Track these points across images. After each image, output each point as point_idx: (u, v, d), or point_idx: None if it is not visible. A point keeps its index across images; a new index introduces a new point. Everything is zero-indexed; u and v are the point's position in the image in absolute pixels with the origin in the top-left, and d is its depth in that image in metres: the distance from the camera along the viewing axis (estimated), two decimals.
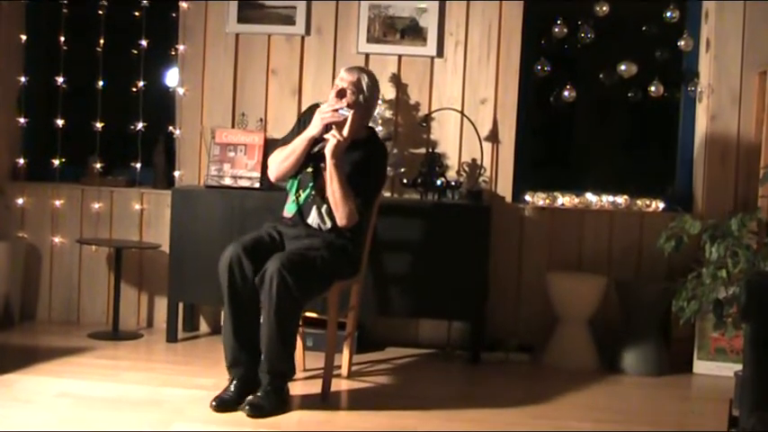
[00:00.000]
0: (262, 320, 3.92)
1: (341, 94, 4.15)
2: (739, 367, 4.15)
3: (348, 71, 4.25)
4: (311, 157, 4.19)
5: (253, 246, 4.01)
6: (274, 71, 5.43)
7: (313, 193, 4.21)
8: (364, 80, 4.22)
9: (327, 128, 4.10)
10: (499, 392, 4.48)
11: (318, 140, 4.15)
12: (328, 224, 4.19)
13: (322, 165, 4.12)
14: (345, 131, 4.06)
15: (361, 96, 4.18)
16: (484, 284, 5.01)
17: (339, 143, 4.05)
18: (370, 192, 4.25)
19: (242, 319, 3.99)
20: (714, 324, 4.16)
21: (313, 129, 4.13)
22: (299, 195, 4.25)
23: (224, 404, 3.91)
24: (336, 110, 4.10)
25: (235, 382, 3.99)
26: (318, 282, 4.05)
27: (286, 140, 4.28)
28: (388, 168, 5.08)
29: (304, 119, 4.29)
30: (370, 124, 4.59)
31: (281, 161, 4.21)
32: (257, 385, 3.95)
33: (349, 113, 4.09)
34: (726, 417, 3.09)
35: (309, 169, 4.23)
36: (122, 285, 5.32)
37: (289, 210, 4.28)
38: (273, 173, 4.27)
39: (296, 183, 4.26)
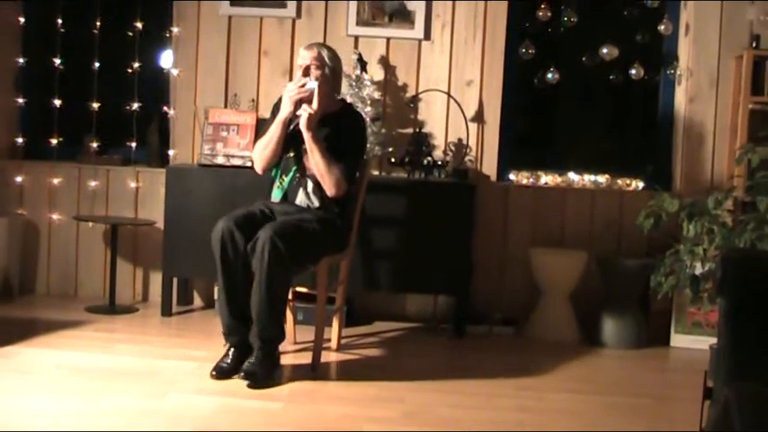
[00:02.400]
0: (253, 287, 3.92)
1: (306, 71, 4.15)
2: (714, 340, 4.17)
3: (307, 48, 4.24)
4: (291, 141, 4.18)
5: (244, 219, 4.00)
6: (266, 53, 5.41)
7: (297, 175, 4.21)
8: (324, 53, 4.21)
9: (298, 105, 4.09)
10: (483, 364, 4.50)
11: (293, 121, 4.14)
12: (316, 203, 4.18)
13: (303, 147, 4.12)
14: (315, 104, 4.06)
15: (326, 69, 4.17)
16: (469, 260, 5.02)
17: (311, 115, 4.05)
18: (352, 158, 4.23)
19: (235, 290, 3.99)
20: (691, 299, 4.18)
21: (284, 110, 4.12)
22: (283, 180, 4.24)
23: (223, 372, 3.94)
24: (302, 85, 4.09)
25: (232, 350, 4.01)
26: (309, 251, 4.05)
27: (263, 132, 4.27)
28: (377, 147, 5.09)
29: (276, 108, 4.27)
30: (350, 100, 4.60)
31: (262, 150, 4.20)
32: (252, 351, 3.96)
33: (315, 85, 4.08)
34: (701, 387, 3.11)
35: (291, 153, 4.22)
36: (118, 261, 5.31)
37: (275, 196, 4.26)
38: (258, 164, 4.24)
39: (278, 170, 4.26)
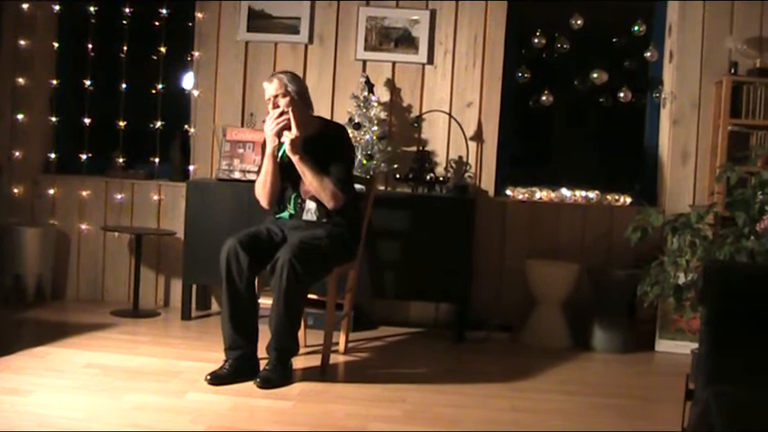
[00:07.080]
0: (271, 303, 3.92)
1: (275, 104, 4.10)
2: (696, 345, 4.19)
3: (267, 81, 4.17)
4: (284, 172, 4.14)
5: (249, 239, 3.98)
6: None
7: (299, 201, 4.21)
8: (284, 79, 4.14)
9: (280, 136, 4.07)
10: (481, 367, 4.50)
11: (281, 150, 4.12)
12: (323, 219, 4.18)
13: (297, 174, 4.09)
14: (293, 128, 4.03)
15: (293, 93, 4.11)
16: (468, 270, 5.03)
17: (293, 140, 4.02)
18: (342, 168, 4.18)
19: (239, 306, 3.96)
20: (674, 307, 4.19)
21: (269, 144, 4.09)
22: (288, 207, 4.24)
23: (218, 379, 3.88)
24: (279, 115, 4.06)
25: (230, 361, 3.96)
26: (322, 268, 4.06)
27: (257, 172, 4.27)
28: (383, 164, 5.10)
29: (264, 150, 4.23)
30: (358, 120, 4.58)
31: (262, 186, 4.17)
32: (252, 365, 3.95)
33: (289, 111, 4.04)
34: (683, 389, 3.12)
35: (287, 184, 4.20)
36: (142, 268, 5.34)
37: (284, 216, 4.27)
38: (263, 200, 4.21)
39: (283, 202, 4.25)
